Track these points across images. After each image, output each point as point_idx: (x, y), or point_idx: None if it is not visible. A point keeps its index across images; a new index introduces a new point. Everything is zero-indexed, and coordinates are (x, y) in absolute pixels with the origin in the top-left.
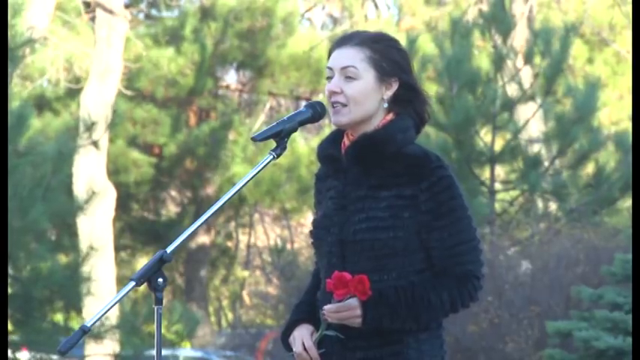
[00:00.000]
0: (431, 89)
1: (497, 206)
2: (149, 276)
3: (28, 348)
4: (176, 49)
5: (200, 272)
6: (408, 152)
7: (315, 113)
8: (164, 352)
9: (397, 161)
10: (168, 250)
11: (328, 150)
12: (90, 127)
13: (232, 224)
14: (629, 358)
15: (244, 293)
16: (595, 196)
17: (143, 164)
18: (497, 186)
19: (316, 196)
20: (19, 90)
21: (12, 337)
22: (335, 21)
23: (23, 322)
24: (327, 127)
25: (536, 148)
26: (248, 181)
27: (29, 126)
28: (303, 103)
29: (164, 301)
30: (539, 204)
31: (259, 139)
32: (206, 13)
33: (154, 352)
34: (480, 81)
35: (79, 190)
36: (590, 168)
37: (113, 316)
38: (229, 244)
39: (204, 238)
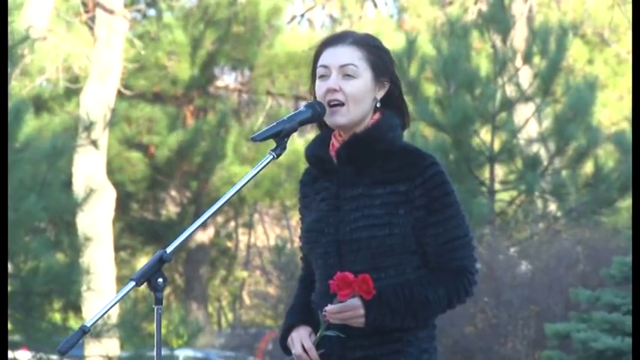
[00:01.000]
0: (429, 89)
1: (497, 206)
2: (149, 276)
3: (27, 348)
4: (172, 48)
5: (200, 272)
6: (400, 150)
7: (315, 113)
8: (164, 352)
9: (390, 159)
10: (168, 250)
11: (317, 152)
12: (89, 126)
13: (232, 224)
14: (628, 358)
15: (244, 293)
16: (594, 196)
17: (139, 163)
18: (497, 186)
19: (302, 201)
20: (17, 88)
21: (12, 337)
22: (334, 21)
23: (23, 322)
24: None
25: (534, 148)
26: (248, 181)
27: (25, 123)
28: (303, 103)
29: (164, 302)
30: (539, 204)
31: (259, 139)
32: (202, 14)
33: (154, 352)
34: (477, 81)
35: (79, 189)
36: (588, 167)
37: (113, 316)
38: (229, 244)
39: (203, 238)
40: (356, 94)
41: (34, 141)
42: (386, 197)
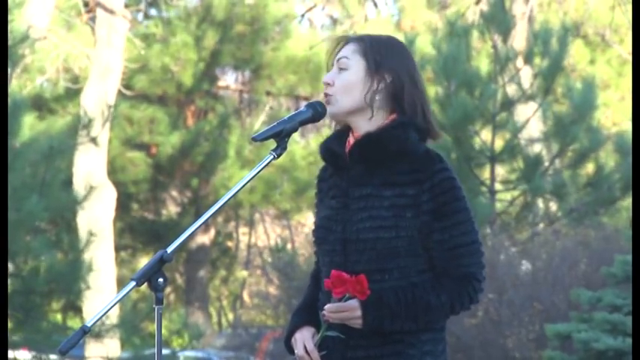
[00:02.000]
0: (430, 89)
1: (498, 206)
2: (149, 276)
3: (27, 347)
4: (174, 48)
5: (200, 272)
6: (411, 152)
7: (316, 113)
8: (164, 351)
9: (401, 161)
10: (169, 250)
11: (332, 147)
12: (88, 124)
13: (232, 224)
14: (628, 359)
15: (245, 293)
16: (595, 196)
17: (141, 163)
18: (498, 186)
19: (317, 196)
20: (17, 88)
21: (12, 337)
22: (335, 21)
23: (23, 321)
24: (325, 127)
25: (536, 148)
26: (249, 180)
27: (24, 122)
28: (304, 104)
29: (165, 302)
30: (540, 204)
31: (259, 139)
32: (204, 14)
33: (154, 352)
34: (478, 81)
35: (79, 189)
36: (589, 168)
37: (113, 316)
38: (229, 244)
39: (204, 238)
40: (344, 85)
41: (34, 141)
42: (394, 199)
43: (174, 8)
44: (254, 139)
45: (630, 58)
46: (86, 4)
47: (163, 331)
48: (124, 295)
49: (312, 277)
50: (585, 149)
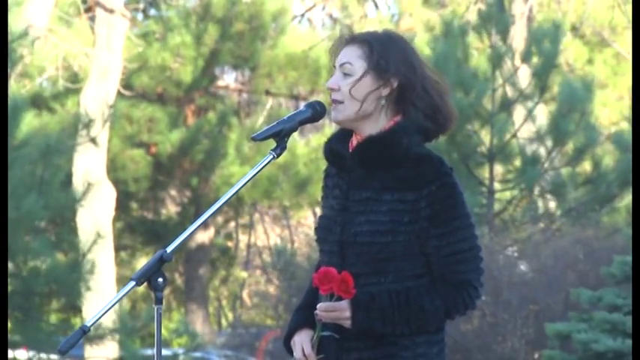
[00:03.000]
0: None
1: (497, 205)
2: (149, 276)
3: (27, 347)
4: (173, 47)
5: (200, 272)
6: (413, 156)
7: (315, 113)
8: (164, 352)
9: (402, 165)
10: (168, 249)
11: (335, 147)
12: (87, 124)
13: (232, 224)
14: None
15: (244, 293)
16: (593, 195)
17: (140, 161)
18: (496, 185)
19: (324, 191)
20: (16, 87)
21: (11, 337)
22: (335, 21)
23: (22, 321)
24: (326, 126)
25: (533, 146)
26: (248, 180)
27: (23, 121)
28: (303, 103)
29: (164, 302)
30: (539, 203)
31: (259, 138)
32: (203, 13)
33: (152, 351)
34: (476, 80)
35: (78, 188)
36: (587, 165)
37: (113, 317)
38: (229, 243)
39: (204, 238)
40: (351, 92)
41: (33, 139)
42: (393, 204)
43: (174, 7)
44: (253, 139)
45: (628, 56)
46: (85, 3)
47: (163, 331)
48: (124, 295)
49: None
50: (582, 146)
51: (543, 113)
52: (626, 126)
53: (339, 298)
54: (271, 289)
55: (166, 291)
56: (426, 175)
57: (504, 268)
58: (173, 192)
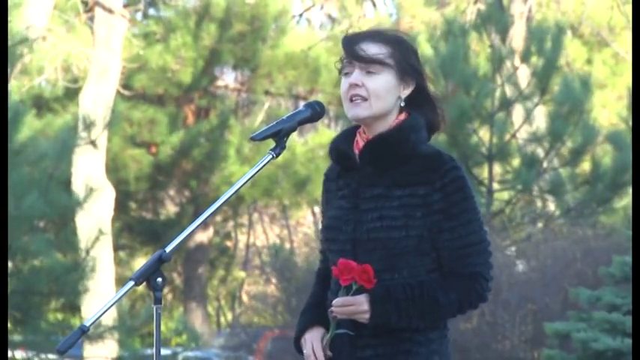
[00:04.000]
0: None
1: (495, 205)
2: (148, 275)
3: (25, 347)
4: (173, 48)
5: (199, 272)
6: (422, 152)
7: (315, 113)
8: (163, 351)
9: (411, 161)
10: (167, 249)
11: (341, 147)
12: (88, 126)
13: (231, 224)
14: (628, 359)
15: (243, 293)
16: (591, 195)
17: (141, 160)
18: (495, 185)
19: (324, 195)
20: (16, 88)
21: (10, 337)
22: (333, 21)
23: (21, 321)
24: (322, 126)
25: (532, 146)
26: (247, 180)
27: (23, 125)
28: (302, 103)
29: (163, 302)
30: (538, 203)
31: (258, 138)
32: (202, 13)
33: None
34: (476, 80)
35: (78, 189)
36: (586, 165)
37: (112, 317)
38: (228, 243)
39: (203, 238)
40: (378, 90)
41: (34, 141)
42: (404, 199)
43: (174, 7)
44: (253, 139)
45: (627, 56)
46: (85, 4)
47: (163, 329)
48: (123, 295)
49: (317, 277)
50: (581, 147)
51: (542, 113)
52: (623, 126)
53: (358, 291)
54: (270, 289)
55: (165, 291)
56: (437, 170)
57: (503, 267)
58: (172, 192)
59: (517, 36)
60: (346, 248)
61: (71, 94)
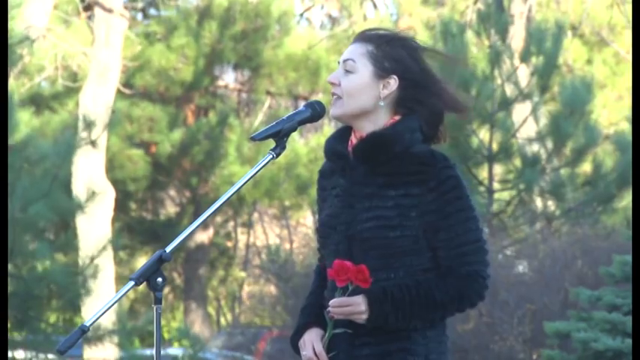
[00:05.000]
0: None
1: (496, 205)
2: (148, 275)
3: (25, 348)
4: (174, 47)
5: (199, 272)
6: (415, 152)
7: (315, 113)
8: (163, 352)
9: (404, 160)
10: (168, 249)
11: (335, 146)
12: (88, 126)
13: (231, 224)
14: (628, 359)
15: (243, 293)
16: (592, 195)
17: (141, 161)
18: (495, 185)
19: (319, 193)
20: (15, 86)
21: (10, 337)
22: (334, 21)
23: (21, 321)
24: (325, 125)
25: (533, 146)
26: (247, 180)
27: (18, 121)
28: (302, 103)
29: (163, 302)
30: (539, 203)
31: (258, 138)
32: (203, 12)
33: (153, 352)
34: (475, 80)
35: (78, 190)
36: (587, 166)
37: (112, 317)
38: (228, 243)
39: (203, 238)
40: (350, 89)
41: (34, 140)
42: (398, 199)
43: (173, 7)
44: (253, 139)
45: (627, 56)
46: (84, 3)
47: (164, 331)
48: (123, 295)
49: (316, 274)
50: (582, 147)
51: (543, 113)
52: (626, 126)
53: (355, 291)
54: (270, 289)
55: (166, 291)
56: (431, 169)
57: (502, 268)
58: (172, 192)
59: (517, 36)
60: (340, 248)
61: (71, 93)
